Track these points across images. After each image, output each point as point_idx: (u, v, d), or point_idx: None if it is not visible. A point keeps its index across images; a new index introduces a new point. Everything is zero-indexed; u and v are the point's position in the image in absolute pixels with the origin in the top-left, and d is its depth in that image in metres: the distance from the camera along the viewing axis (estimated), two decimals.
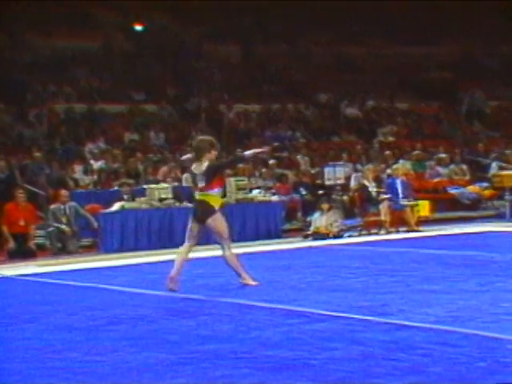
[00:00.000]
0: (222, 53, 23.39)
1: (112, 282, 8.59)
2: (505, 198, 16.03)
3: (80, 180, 15.27)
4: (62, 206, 12.76)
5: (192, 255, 11.02)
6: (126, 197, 13.37)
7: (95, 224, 12.70)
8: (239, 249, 11.61)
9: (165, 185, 13.78)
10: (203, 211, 7.56)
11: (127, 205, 12.85)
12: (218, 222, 7.56)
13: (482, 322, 5.60)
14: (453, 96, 23.69)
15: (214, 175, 7.57)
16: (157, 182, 14.45)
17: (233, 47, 23.47)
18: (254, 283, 7.57)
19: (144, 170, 16.14)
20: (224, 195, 7.99)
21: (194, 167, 7.70)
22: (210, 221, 7.53)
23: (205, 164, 7.60)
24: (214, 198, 7.58)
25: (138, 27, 23.16)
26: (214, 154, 7.67)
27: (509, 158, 18.58)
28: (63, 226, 12.54)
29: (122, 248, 12.32)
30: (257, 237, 13.23)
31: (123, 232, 12.49)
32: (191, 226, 7.70)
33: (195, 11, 22.19)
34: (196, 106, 20.75)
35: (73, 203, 12.89)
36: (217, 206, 7.60)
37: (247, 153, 8.12)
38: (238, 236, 13.19)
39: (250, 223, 13.41)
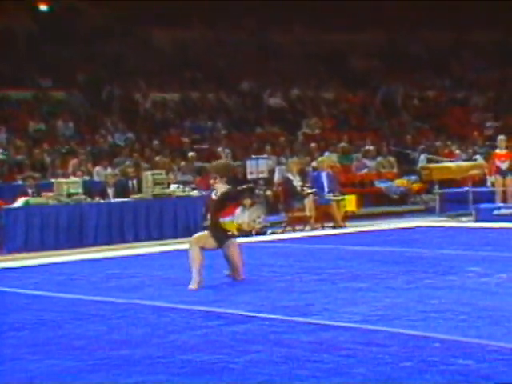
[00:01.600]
0: (137, 37, 23.12)
1: (14, 284, 8.39)
2: (434, 191, 16.47)
3: None
4: None
5: (104, 254, 10.95)
6: (30, 191, 13.11)
7: None
8: (156, 247, 11.60)
9: (74, 179, 13.58)
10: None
11: (32, 200, 12.59)
12: None
13: (409, 321, 5.72)
14: (379, 85, 24.14)
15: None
16: (66, 176, 14.21)
17: (149, 31, 23.24)
18: (192, 287, 7.57)
19: (51, 162, 15.87)
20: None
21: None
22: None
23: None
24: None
25: (43, 7, 22.65)
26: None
27: (438, 150, 19.10)
28: None
29: (27, 247, 12.07)
30: (175, 234, 13.18)
31: (28, 230, 12.23)
32: None
33: None
34: (109, 94, 20.46)
35: None
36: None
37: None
38: (155, 233, 13.14)
39: (167, 220, 13.34)
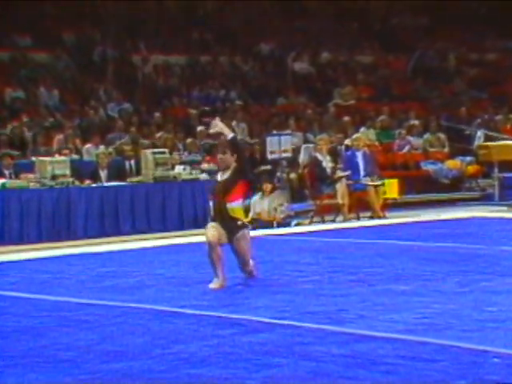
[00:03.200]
0: None
1: None
2: (492, 175, 16.41)
3: None
4: None
5: (96, 249, 11.02)
6: (7, 172, 13.22)
7: None
8: (158, 241, 11.66)
9: (60, 158, 13.65)
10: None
11: (9, 183, 12.68)
12: None
13: (463, 331, 5.74)
14: (425, 47, 23.96)
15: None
16: (50, 154, 14.29)
17: None
18: (213, 286, 7.68)
19: (32, 137, 15.95)
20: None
21: None
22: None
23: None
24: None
25: None
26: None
27: (498, 126, 19.01)
28: None
29: (3, 240, 12.17)
30: (180, 225, 13.26)
31: (4, 219, 12.33)
32: None
33: None
34: (101, 56, 20.51)
35: None
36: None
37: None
38: (157, 224, 13.20)
39: (171, 208, 13.41)
